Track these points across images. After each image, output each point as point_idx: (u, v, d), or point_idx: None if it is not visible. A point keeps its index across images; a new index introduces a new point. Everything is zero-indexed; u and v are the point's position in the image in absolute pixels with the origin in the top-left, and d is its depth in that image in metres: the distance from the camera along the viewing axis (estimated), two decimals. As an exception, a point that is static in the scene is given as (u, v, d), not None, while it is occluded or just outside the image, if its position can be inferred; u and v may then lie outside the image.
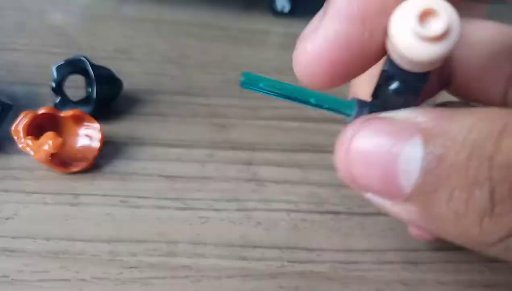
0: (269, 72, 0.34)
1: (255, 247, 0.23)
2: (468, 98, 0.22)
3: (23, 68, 0.34)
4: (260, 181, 0.27)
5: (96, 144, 0.26)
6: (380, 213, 0.26)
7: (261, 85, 0.15)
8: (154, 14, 0.46)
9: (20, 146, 0.25)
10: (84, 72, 0.30)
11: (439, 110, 0.14)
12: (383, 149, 0.14)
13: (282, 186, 0.27)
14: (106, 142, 0.28)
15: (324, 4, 0.15)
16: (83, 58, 0.29)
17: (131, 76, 0.35)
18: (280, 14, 0.49)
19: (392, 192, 0.14)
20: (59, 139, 0.24)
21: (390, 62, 0.14)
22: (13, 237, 0.22)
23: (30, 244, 0.21)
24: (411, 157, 0.13)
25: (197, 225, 0.24)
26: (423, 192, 0.13)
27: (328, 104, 0.15)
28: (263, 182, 0.27)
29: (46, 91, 0.28)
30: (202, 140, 0.29)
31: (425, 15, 0.12)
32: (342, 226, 0.25)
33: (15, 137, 0.25)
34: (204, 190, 0.26)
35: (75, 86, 0.31)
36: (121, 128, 0.29)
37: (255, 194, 0.26)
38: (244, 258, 0.22)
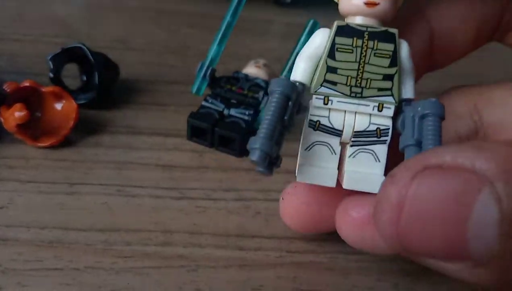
0: (271, 62, 0.34)
1: (253, 237, 0.22)
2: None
3: (22, 58, 0.34)
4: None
5: (70, 123, 0.26)
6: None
7: None
8: (154, 3, 0.45)
9: None
10: (79, 60, 0.29)
11: (503, 150, 0.12)
12: (450, 201, 0.11)
13: (282, 176, 0.26)
14: (104, 131, 0.28)
15: None
16: (81, 45, 0.28)
17: (130, 66, 0.34)
18: (282, 4, 0.48)
19: (458, 255, 0.12)
20: (24, 112, 0.24)
21: None
22: (7, 226, 0.21)
23: (24, 233, 0.21)
24: (484, 217, 0.11)
25: (194, 214, 0.23)
26: (502, 258, 0.11)
27: None
28: (262, 172, 0.26)
29: (45, 81, 0.28)
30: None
31: None
32: (343, 216, 0.24)
33: None
34: (202, 180, 0.25)
35: (72, 76, 0.31)
36: (118, 117, 0.29)
37: (254, 184, 0.25)
38: (241, 248, 0.22)
